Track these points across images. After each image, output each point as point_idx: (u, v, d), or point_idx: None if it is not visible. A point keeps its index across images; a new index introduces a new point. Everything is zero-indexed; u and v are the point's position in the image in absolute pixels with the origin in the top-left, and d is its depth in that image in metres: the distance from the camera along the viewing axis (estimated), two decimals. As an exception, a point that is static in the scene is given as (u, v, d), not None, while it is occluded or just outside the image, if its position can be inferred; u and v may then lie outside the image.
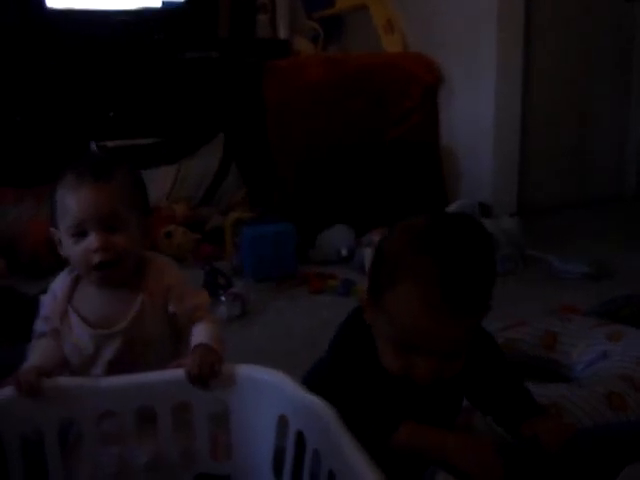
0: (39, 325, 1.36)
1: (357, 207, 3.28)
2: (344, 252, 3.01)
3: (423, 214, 1.21)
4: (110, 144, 3.48)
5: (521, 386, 1.31)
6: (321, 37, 4.15)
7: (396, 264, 1.13)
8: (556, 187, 3.82)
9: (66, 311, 1.33)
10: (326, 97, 3.37)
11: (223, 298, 2.34)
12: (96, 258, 1.27)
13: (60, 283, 1.36)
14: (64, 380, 1.25)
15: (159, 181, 3.33)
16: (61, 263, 2.83)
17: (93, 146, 3.45)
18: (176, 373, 1.27)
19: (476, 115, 3.46)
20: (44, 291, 2.29)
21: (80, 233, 1.27)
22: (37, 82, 3.53)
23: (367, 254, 2.91)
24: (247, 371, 1.29)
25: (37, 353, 1.30)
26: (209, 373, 1.25)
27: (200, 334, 1.32)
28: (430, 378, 1.15)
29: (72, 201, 1.27)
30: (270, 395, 1.26)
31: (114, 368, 1.32)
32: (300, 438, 1.20)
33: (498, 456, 1.13)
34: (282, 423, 1.26)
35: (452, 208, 3.00)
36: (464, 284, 1.09)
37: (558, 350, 1.88)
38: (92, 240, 1.26)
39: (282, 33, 4.09)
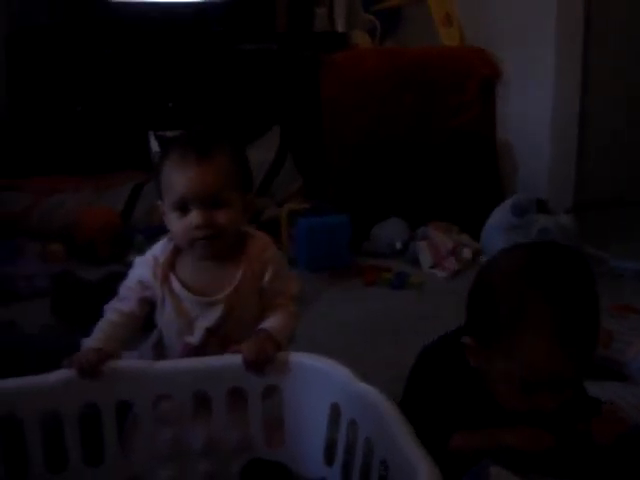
0: (124, 291, 1.41)
1: (412, 200, 3.28)
2: (398, 245, 3.01)
3: (522, 248, 1.28)
4: (169, 134, 3.53)
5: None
6: (378, 30, 4.13)
7: (514, 312, 1.15)
8: (614, 182, 3.76)
9: (168, 277, 1.37)
10: (383, 90, 3.36)
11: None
12: (198, 234, 1.32)
13: (161, 250, 1.40)
14: (122, 363, 1.28)
15: (215, 171, 3.36)
16: (116, 250, 2.91)
17: (151, 136, 3.50)
18: (231, 359, 1.30)
19: (534, 109, 3.42)
20: (108, 277, 2.36)
21: (183, 208, 1.32)
22: (98, 73, 3.60)
23: (421, 247, 2.90)
24: (301, 359, 1.31)
25: (103, 332, 1.34)
26: (264, 360, 1.27)
27: (268, 321, 1.36)
28: (554, 408, 1.18)
29: (176, 178, 1.31)
30: (323, 383, 1.27)
31: (211, 336, 1.36)
32: (353, 427, 1.21)
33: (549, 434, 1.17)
34: (335, 411, 1.27)
35: (508, 203, 2.97)
36: (581, 324, 1.15)
37: (613, 348, 1.86)
38: (194, 217, 1.31)
39: (339, 26, 4.09)
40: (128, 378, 1.26)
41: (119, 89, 3.63)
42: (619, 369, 1.83)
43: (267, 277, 1.38)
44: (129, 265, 2.84)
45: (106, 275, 2.45)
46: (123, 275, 2.43)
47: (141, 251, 2.94)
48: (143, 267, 1.41)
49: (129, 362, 1.29)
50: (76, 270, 2.59)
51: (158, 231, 3.07)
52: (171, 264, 1.38)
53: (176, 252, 1.39)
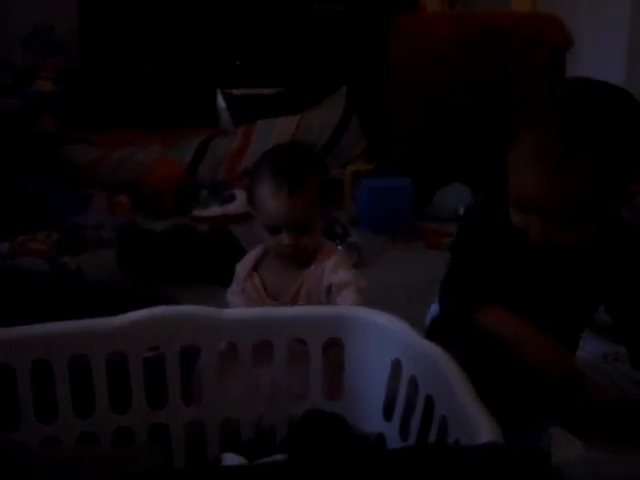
0: (232, 286, 1.61)
1: (476, 166, 3.25)
2: (461, 211, 2.98)
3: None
4: (236, 92, 3.55)
5: None
6: (448, -7, 4.08)
7: (521, 119, 1.21)
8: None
9: (251, 275, 1.57)
10: (451, 54, 3.33)
11: (340, 247, 2.37)
12: (285, 250, 1.51)
13: (254, 253, 1.60)
14: (191, 309, 1.31)
15: (281, 130, 3.38)
16: (181, 203, 2.96)
17: (219, 94, 3.54)
18: (294, 310, 1.34)
19: (604, 80, 3.35)
20: (173, 229, 2.40)
21: (275, 230, 1.50)
22: (167, 30, 3.62)
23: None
24: (364, 314, 1.32)
25: None
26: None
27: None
28: (542, 240, 1.20)
29: (270, 206, 1.49)
30: (385, 338, 1.27)
31: None
32: (413, 383, 1.22)
33: (569, 357, 1.23)
34: (396, 367, 1.27)
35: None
36: (576, 138, 1.12)
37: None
38: (284, 238, 1.49)
39: (409, -12, 4.04)
40: (196, 324, 1.28)
41: (188, 46, 3.66)
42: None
43: (326, 271, 1.51)
44: (193, 219, 2.93)
45: (171, 227, 2.49)
46: (188, 228, 2.49)
47: (205, 206, 3.02)
48: (237, 270, 1.61)
49: (198, 308, 1.30)
50: (142, 222, 2.63)
51: (223, 187, 3.13)
52: (255, 264, 1.58)
53: (263, 256, 1.59)
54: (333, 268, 1.51)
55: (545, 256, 1.27)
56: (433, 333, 1.53)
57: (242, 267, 1.59)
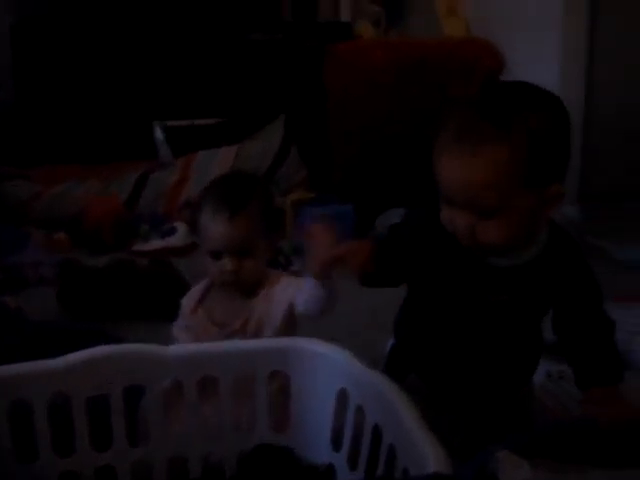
0: (178, 321, 1.57)
1: (416, 191, 3.27)
2: (402, 235, 3.01)
3: None
4: (174, 124, 3.54)
5: (607, 340, 1.34)
6: (383, 21, 4.13)
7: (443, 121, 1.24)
8: (620, 175, 3.74)
9: (196, 309, 1.54)
10: (387, 81, 3.36)
11: (284, 276, 2.37)
12: (228, 277, 1.48)
13: (200, 286, 1.57)
14: (135, 347, 1.29)
15: (220, 161, 3.36)
16: (121, 238, 2.92)
17: (157, 126, 3.52)
18: (238, 344, 1.34)
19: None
20: (113, 265, 2.37)
21: (216, 255, 1.48)
22: (102, 63, 3.60)
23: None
24: (308, 344, 1.32)
25: None
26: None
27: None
28: (466, 235, 1.22)
29: (210, 231, 1.48)
30: (330, 369, 1.28)
31: None
32: (360, 412, 1.22)
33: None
34: (343, 397, 1.27)
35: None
36: (491, 120, 1.17)
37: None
38: (225, 263, 1.47)
39: (344, 16, 4.09)
40: (140, 362, 1.27)
41: (124, 79, 3.64)
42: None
43: (279, 293, 1.49)
44: (133, 253, 2.89)
45: (111, 262, 2.46)
46: (127, 262, 2.47)
47: (146, 239, 2.98)
48: (183, 304, 1.57)
49: (141, 346, 1.29)
50: (81, 259, 2.59)
51: (162, 220, 3.11)
52: (201, 298, 1.55)
53: (209, 289, 1.56)
54: (285, 287, 1.49)
55: (474, 261, 1.29)
56: (391, 363, 1.54)
57: (187, 301, 1.56)
